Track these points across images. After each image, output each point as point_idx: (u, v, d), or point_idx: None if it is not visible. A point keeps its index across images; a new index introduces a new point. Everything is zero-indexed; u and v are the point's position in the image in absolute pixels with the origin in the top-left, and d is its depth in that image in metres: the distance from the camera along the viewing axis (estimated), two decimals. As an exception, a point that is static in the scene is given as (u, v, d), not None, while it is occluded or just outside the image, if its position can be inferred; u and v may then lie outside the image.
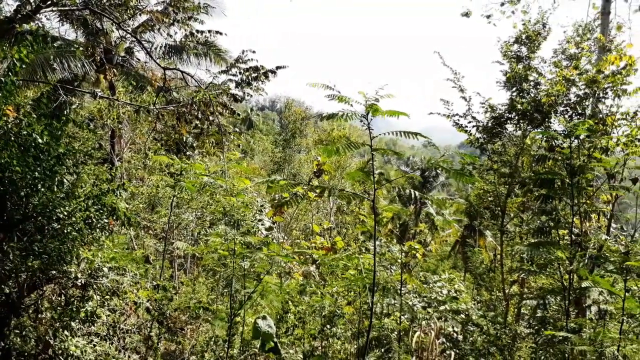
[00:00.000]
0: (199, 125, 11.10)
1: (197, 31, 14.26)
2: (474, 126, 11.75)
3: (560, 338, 6.82)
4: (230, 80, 12.42)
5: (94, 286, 6.50)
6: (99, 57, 12.00)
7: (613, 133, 9.73)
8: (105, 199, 6.16)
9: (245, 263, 7.61)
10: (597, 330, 6.77)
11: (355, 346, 9.79)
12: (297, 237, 25.07)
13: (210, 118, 10.09)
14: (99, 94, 10.51)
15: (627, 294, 6.40)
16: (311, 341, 9.31)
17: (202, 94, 9.45)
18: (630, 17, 12.02)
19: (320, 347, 9.59)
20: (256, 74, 12.08)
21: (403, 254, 10.55)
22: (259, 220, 10.32)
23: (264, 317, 7.95)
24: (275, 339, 7.94)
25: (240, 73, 12.41)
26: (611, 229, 9.77)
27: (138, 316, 8.66)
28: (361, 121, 5.28)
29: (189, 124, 10.63)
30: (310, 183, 16.25)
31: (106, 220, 6.25)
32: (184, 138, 14.28)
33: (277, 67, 12.66)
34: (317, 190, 7.54)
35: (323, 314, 9.24)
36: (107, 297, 6.76)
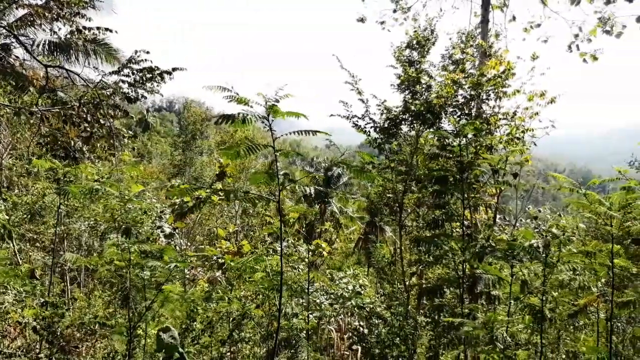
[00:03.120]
0: (88, 128, 10.36)
1: (85, 28, 13.26)
2: (371, 127, 12.17)
3: (457, 324, 7.28)
4: (123, 81, 11.69)
5: (-31, 309, 5.82)
6: (-32, 54, 10.73)
7: (496, 132, 10.62)
8: (-20, 212, 5.54)
9: (145, 273, 7.23)
10: (488, 314, 7.31)
11: (265, 349, 9.73)
12: (201, 243, 24.39)
13: (101, 120, 9.45)
14: (-30, 94, 9.41)
15: (512, 278, 6.98)
16: (220, 347, 9.09)
17: (91, 94, 8.82)
18: (506, 26, 13.27)
19: (229, 353, 9.40)
20: (151, 75, 11.47)
21: (310, 253, 10.67)
22: (159, 227, 9.86)
23: (167, 329, 7.61)
24: (180, 350, 7.63)
25: (133, 74, 11.71)
26: (497, 220, 10.63)
27: (25, 337, 7.94)
28: (262, 122, 5.18)
29: (77, 126, 9.88)
30: (213, 186, 15.86)
31: (-19, 235, 5.63)
32: (72, 142, 13.24)
33: (174, 69, 12.14)
34: (221, 194, 7.35)
35: (231, 319, 9.06)
36: (-14, 320, 6.09)
